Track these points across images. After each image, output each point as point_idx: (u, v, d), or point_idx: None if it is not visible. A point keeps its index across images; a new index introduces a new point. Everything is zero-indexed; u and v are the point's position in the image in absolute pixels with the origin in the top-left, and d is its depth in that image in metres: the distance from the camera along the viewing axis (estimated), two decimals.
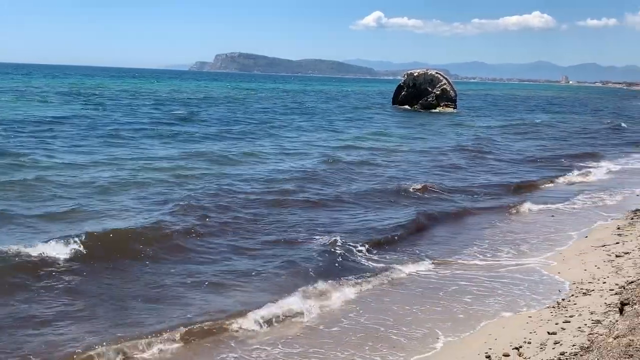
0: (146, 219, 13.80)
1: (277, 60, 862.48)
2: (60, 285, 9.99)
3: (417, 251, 13.22)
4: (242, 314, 9.24)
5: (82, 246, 11.34)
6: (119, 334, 8.38)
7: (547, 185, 21.63)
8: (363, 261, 12.32)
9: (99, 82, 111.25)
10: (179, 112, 47.26)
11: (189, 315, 9.16)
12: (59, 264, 10.74)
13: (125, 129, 32.54)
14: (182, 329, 8.64)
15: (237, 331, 8.91)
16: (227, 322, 9.01)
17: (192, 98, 70.66)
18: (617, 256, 12.44)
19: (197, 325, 8.81)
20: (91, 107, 47.39)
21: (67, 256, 11.01)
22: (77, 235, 11.68)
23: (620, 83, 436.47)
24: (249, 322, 9.04)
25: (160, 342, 8.31)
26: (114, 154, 23.48)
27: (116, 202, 15.64)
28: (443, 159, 27.07)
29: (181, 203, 15.24)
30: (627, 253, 12.54)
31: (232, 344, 8.56)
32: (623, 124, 52.35)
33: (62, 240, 11.39)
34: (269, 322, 9.20)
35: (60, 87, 79.41)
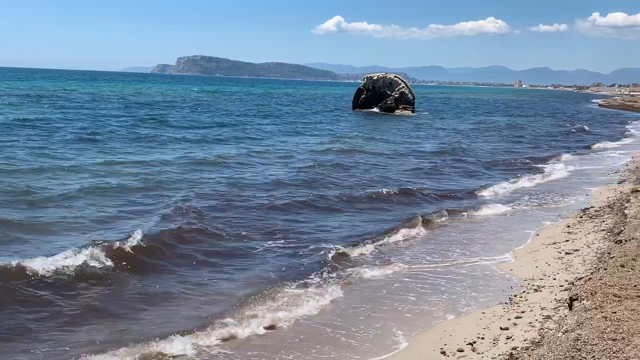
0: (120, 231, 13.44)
1: (239, 63, 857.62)
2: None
3: (379, 254, 13.06)
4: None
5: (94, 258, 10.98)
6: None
7: (503, 186, 21.75)
8: (323, 267, 11.96)
9: (62, 84, 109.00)
10: (147, 115, 46.59)
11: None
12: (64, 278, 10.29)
13: (92, 133, 31.66)
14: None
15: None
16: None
17: (160, 101, 69.87)
18: (567, 253, 12.66)
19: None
20: (52, 111, 46.17)
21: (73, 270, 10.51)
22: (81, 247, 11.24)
23: (570, 87, 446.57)
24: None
25: None
26: (80, 159, 22.82)
27: (89, 210, 15.05)
28: (410, 162, 27.29)
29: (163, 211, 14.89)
30: (577, 250, 12.77)
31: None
32: (586, 127, 52.83)
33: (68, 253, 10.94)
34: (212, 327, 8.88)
35: (21, 91, 77.43)
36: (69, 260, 10.67)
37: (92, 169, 20.75)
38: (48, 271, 10.24)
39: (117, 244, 11.66)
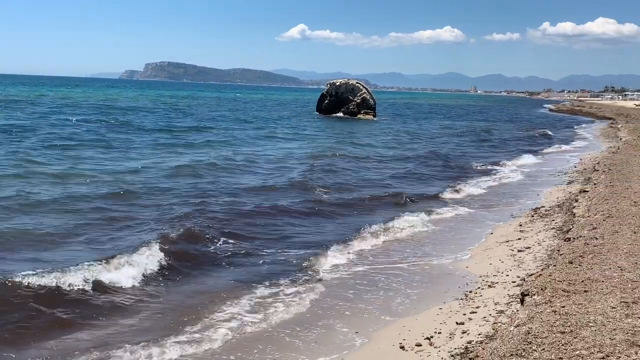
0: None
1: (206, 69, 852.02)
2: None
3: (341, 256, 12.85)
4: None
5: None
6: None
7: (462, 188, 21.89)
8: (286, 269, 11.95)
9: (32, 90, 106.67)
10: (126, 120, 46.11)
11: None
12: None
13: (67, 140, 30.86)
14: None
15: None
16: None
17: (138, 107, 68.89)
18: (519, 251, 12.84)
19: None
20: (22, 118, 44.63)
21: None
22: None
23: (523, 92, 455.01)
24: None
25: None
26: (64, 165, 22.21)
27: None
28: (387, 167, 27.40)
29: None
30: (528, 248, 12.96)
31: None
32: (549, 132, 52.80)
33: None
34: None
35: None
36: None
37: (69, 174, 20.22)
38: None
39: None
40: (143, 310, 9.58)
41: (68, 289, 9.73)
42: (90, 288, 9.93)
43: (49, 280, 9.77)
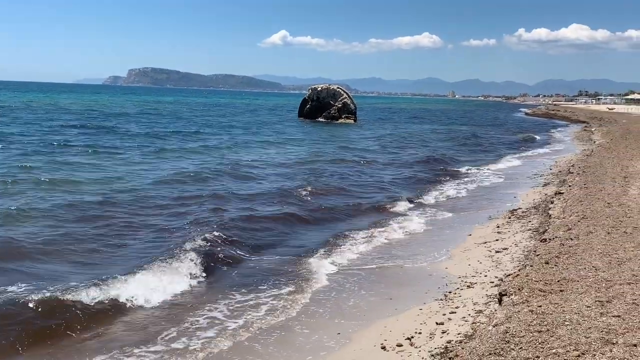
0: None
1: (189, 75, 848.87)
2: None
3: (322, 260, 12.73)
4: None
5: None
6: None
7: (444, 190, 22.06)
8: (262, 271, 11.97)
9: (19, 96, 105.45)
10: (118, 126, 45.97)
11: None
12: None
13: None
14: None
15: None
16: None
17: (130, 113, 68.51)
18: (496, 252, 12.88)
19: None
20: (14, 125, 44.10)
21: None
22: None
23: (500, 97, 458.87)
24: None
25: None
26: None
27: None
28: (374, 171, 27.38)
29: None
30: (505, 249, 13.00)
31: None
32: (537, 137, 52.84)
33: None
34: None
35: None
36: None
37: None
38: None
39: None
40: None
41: None
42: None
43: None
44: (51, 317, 8.92)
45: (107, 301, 9.61)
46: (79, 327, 8.82)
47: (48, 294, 9.48)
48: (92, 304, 9.44)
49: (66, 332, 8.67)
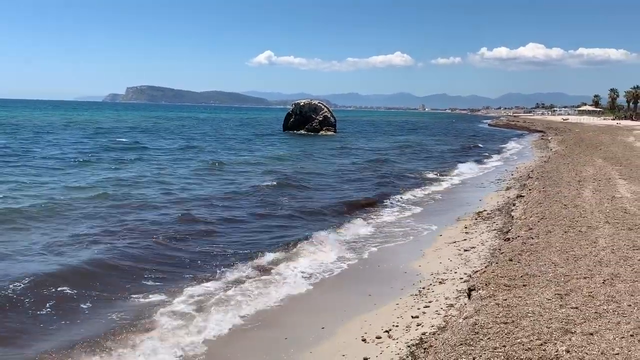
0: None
1: (182, 92, 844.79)
2: None
3: (302, 260, 12.61)
4: None
5: None
6: None
7: (414, 194, 22.07)
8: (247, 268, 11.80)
9: (34, 114, 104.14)
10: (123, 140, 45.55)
11: None
12: None
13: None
14: None
15: None
16: None
17: (149, 128, 68.21)
18: (465, 250, 12.91)
19: None
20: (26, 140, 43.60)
21: None
22: None
23: (465, 109, 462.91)
24: None
25: None
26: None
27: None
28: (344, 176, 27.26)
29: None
30: (473, 247, 13.03)
31: None
32: (480, 144, 53.20)
33: None
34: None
35: None
36: None
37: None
38: None
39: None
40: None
41: None
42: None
43: None
44: None
45: None
46: None
47: None
48: None
49: None
